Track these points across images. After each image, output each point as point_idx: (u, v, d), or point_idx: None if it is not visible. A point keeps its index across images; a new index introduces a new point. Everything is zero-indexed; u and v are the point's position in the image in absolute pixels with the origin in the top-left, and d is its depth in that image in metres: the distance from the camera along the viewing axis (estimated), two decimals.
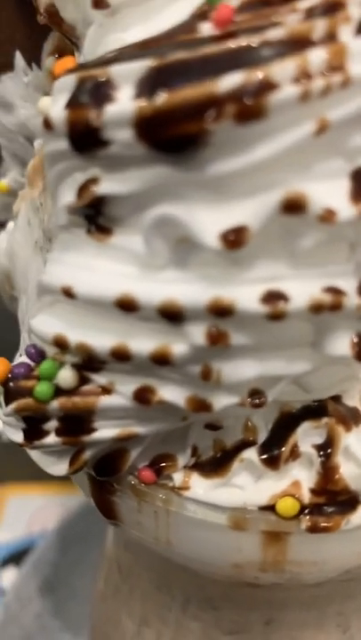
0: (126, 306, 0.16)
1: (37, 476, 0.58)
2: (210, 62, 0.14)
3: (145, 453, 0.20)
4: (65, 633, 0.43)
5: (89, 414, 0.18)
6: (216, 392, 0.17)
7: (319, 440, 0.19)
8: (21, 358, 0.20)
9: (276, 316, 0.15)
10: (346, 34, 0.15)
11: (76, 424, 0.19)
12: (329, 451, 0.19)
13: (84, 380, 0.18)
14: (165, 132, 0.14)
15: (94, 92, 0.15)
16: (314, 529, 0.19)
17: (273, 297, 0.15)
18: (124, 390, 0.18)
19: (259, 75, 0.14)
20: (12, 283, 0.27)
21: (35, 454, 0.21)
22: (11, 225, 0.27)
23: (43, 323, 0.18)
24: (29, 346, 0.19)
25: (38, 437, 0.19)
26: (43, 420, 0.19)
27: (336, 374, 0.19)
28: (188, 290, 0.16)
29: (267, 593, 0.24)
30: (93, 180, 0.16)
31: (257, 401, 0.17)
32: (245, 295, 0.15)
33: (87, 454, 0.19)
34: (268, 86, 0.14)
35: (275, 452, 0.19)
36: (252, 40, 0.14)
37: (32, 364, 0.19)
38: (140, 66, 0.15)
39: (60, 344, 0.18)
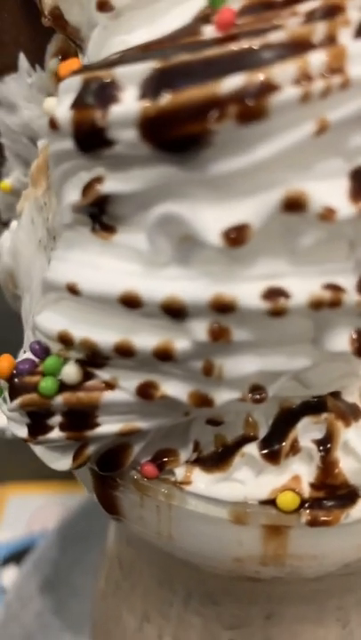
0: (130, 302, 0.17)
1: (38, 475, 0.59)
2: (212, 64, 0.15)
3: (147, 448, 0.20)
4: (65, 632, 0.43)
5: (92, 409, 0.19)
6: (218, 387, 0.18)
7: (319, 435, 0.20)
8: (26, 355, 0.20)
9: (277, 313, 0.16)
10: (345, 37, 0.15)
11: (80, 419, 0.19)
12: (329, 446, 0.19)
13: (87, 376, 0.18)
14: (169, 132, 0.15)
15: (99, 92, 0.15)
16: (314, 523, 0.20)
17: (274, 293, 0.16)
18: (127, 386, 0.18)
19: (260, 76, 0.14)
20: (15, 281, 0.27)
21: (38, 450, 0.21)
22: (14, 224, 0.27)
23: (47, 319, 0.19)
24: (34, 342, 0.19)
25: (42, 432, 0.19)
26: (47, 415, 0.19)
27: (336, 370, 0.19)
28: (191, 287, 0.16)
29: (267, 587, 0.25)
30: (98, 179, 0.16)
31: (258, 396, 0.18)
32: (247, 292, 0.16)
33: (90, 449, 0.20)
34: (269, 88, 0.14)
35: (275, 447, 0.20)
36: (254, 43, 0.15)
37: (36, 360, 0.19)
38: (145, 67, 0.15)
39: (65, 340, 0.18)
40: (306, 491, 0.20)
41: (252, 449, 0.20)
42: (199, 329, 0.16)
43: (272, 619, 0.27)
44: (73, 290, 0.17)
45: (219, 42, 0.15)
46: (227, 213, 0.15)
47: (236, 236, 0.15)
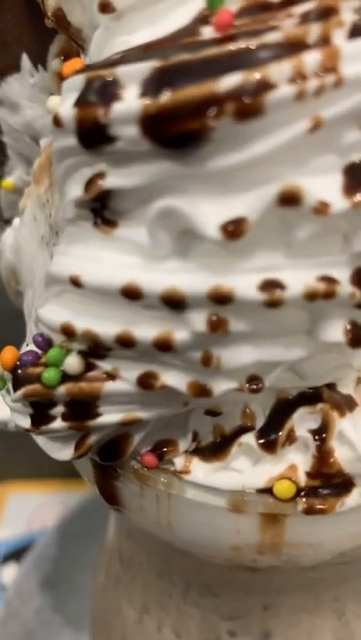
0: (131, 294, 0.17)
1: (38, 474, 0.59)
2: (211, 63, 0.15)
3: (147, 438, 0.21)
4: (65, 628, 0.43)
5: (94, 399, 0.19)
6: (216, 377, 0.18)
7: (314, 425, 0.20)
8: (29, 347, 0.20)
9: (273, 304, 0.16)
10: (339, 37, 0.15)
11: (82, 409, 0.19)
12: (324, 435, 0.20)
13: (89, 367, 0.19)
14: (169, 128, 0.15)
15: (102, 91, 0.16)
16: (310, 511, 0.20)
17: (270, 285, 0.16)
18: (128, 376, 0.18)
19: (257, 75, 0.15)
20: (17, 278, 0.28)
21: (41, 440, 0.21)
22: (17, 221, 0.28)
23: (50, 312, 0.19)
24: (37, 334, 0.20)
25: (45, 422, 0.20)
26: (49, 405, 0.19)
27: (331, 362, 0.19)
28: (190, 279, 0.17)
29: (265, 577, 0.25)
30: (100, 175, 0.17)
31: (255, 386, 0.18)
32: (244, 284, 0.16)
33: (92, 439, 0.20)
34: (265, 86, 0.15)
35: (272, 437, 0.20)
36: (251, 43, 0.15)
37: (39, 351, 0.20)
38: (145, 67, 0.16)
39: (67, 332, 0.19)
40: (302, 479, 0.20)
41: (249, 439, 0.20)
42: (198, 320, 0.17)
43: (270, 609, 0.27)
44: (75, 282, 0.18)
45: (217, 42, 0.16)
46: (225, 207, 0.16)
47: (234, 230, 0.16)
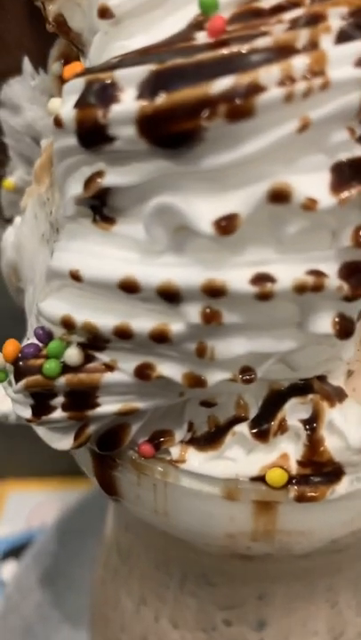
0: (128, 288, 0.18)
1: (37, 472, 0.59)
2: (204, 67, 0.16)
3: (144, 429, 0.21)
4: (64, 622, 0.43)
5: (93, 390, 0.20)
6: (210, 368, 0.19)
7: (305, 415, 0.21)
8: (30, 340, 0.21)
9: (264, 296, 0.17)
10: (326, 42, 0.16)
11: (81, 399, 0.20)
12: (314, 425, 0.20)
13: (88, 358, 0.19)
14: (165, 129, 0.16)
15: (101, 93, 0.17)
16: (301, 498, 0.21)
17: (261, 279, 0.17)
18: (125, 367, 0.19)
19: (248, 78, 0.15)
20: (18, 274, 0.28)
21: (41, 430, 0.22)
22: (18, 220, 0.29)
23: (51, 305, 0.20)
24: (38, 328, 0.21)
25: (46, 413, 0.20)
26: (50, 396, 0.20)
27: (321, 354, 0.20)
28: (185, 273, 0.17)
29: (259, 566, 0.26)
30: (99, 173, 0.17)
31: (247, 377, 0.19)
32: (236, 277, 0.17)
33: (91, 429, 0.21)
34: (256, 88, 0.15)
35: (264, 427, 0.21)
36: (243, 47, 0.16)
37: (40, 344, 0.20)
38: (142, 70, 0.16)
39: (68, 325, 0.19)
40: (293, 468, 0.21)
41: (242, 428, 0.21)
42: (193, 312, 0.17)
43: (264, 599, 0.28)
44: (75, 277, 0.18)
45: (210, 47, 0.16)
46: (218, 204, 0.16)
47: (227, 225, 0.16)
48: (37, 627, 0.42)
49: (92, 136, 0.17)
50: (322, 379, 0.21)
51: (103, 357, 0.19)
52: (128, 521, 0.30)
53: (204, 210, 0.16)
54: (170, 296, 0.17)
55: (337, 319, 0.18)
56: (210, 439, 0.21)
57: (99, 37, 0.19)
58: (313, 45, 0.16)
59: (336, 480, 0.21)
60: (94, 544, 0.38)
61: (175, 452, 0.22)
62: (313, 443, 0.20)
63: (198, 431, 0.22)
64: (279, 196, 0.16)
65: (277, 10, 0.17)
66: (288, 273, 0.17)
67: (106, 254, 0.18)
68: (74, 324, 0.19)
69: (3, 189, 0.31)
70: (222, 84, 0.15)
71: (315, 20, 0.16)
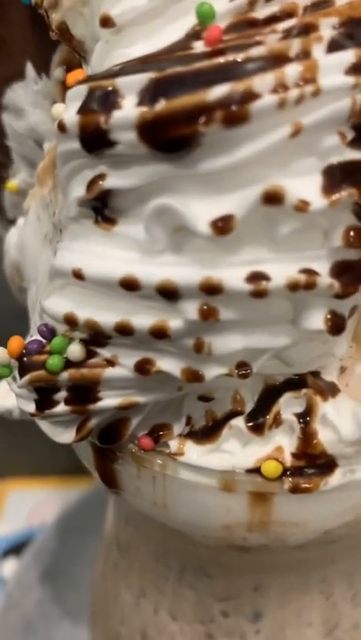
0: (129, 286, 0.18)
1: (37, 471, 0.60)
2: (202, 75, 0.16)
3: (144, 423, 0.22)
4: (64, 619, 0.43)
5: (95, 384, 0.20)
6: (207, 363, 0.19)
7: (299, 409, 0.21)
8: (34, 336, 0.22)
9: (259, 294, 0.17)
10: (318, 51, 0.17)
11: (83, 394, 0.20)
12: (308, 418, 0.21)
13: (90, 354, 0.20)
14: (164, 134, 0.16)
15: (103, 99, 0.17)
16: (295, 489, 0.21)
17: (256, 277, 0.17)
18: (126, 362, 0.20)
19: (243, 86, 0.16)
20: (21, 274, 0.29)
21: (44, 424, 0.22)
22: (21, 221, 0.29)
23: (54, 303, 0.20)
24: (41, 325, 0.21)
25: (49, 407, 0.21)
26: (53, 390, 0.21)
27: (314, 350, 0.21)
28: (183, 271, 0.18)
29: (255, 557, 0.26)
30: (101, 176, 0.18)
31: (243, 372, 0.19)
32: (232, 275, 0.17)
33: (92, 422, 0.21)
34: (250, 95, 0.16)
35: (260, 420, 0.21)
36: (238, 56, 0.16)
37: (44, 341, 0.21)
38: (143, 78, 0.17)
39: (70, 322, 0.20)
40: (288, 460, 0.21)
41: (239, 422, 0.21)
42: (190, 309, 0.18)
43: (260, 590, 0.28)
44: (78, 275, 0.19)
45: (207, 55, 0.17)
46: (214, 205, 0.17)
47: (223, 226, 0.17)
48: (38, 623, 0.42)
49: (95, 140, 0.17)
50: (315, 374, 0.22)
51: (104, 353, 0.20)
52: (128, 514, 0.31)
53: (201, 211, 0.17)
54: (169, 294, 0.18)
55: (329, 316, 0.19)
56: (207, 433, 0.22)
57: (100, 45, 0.20)
58: (305, 54, 0.17)
59: (329, 472, 0.21)
60: (94, 542, 0.38)
61: (174, 445, 0.22)
62: (307, 436, 0.21)
63: (196, 425, 0.22)
64: (273, 198, 0.17)
65: (271, 20, 0.18)
66: (282, 271, 0.17)
67: (107, 254, 0.19)
68: (76, 321, 0.20)
69: (6, 191, 0.31)
70: (219, 91, 0.16)
71: (307, 29, 0.17)
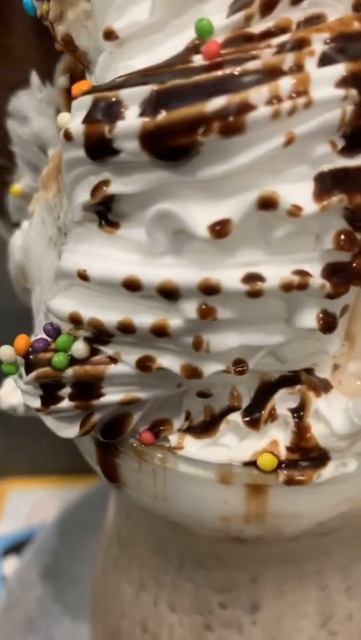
0: (131, 286, 0.19)
1: (38, 470, 0.60)
2: (200, 87, 0.17)
3: (145, 418, 0.23)
4: (64, 616, 0.43)
5: (98, 381, 0.21)
6: (206, 360, 0.20)
7: (293, 404, 0.22)
8: (39, 335, 0.23)
9: (255, 294, 0.18)
10: (310, 65, 0.18)
11: (87, 390, 0.21)
12: (302, 413, 0.22)
13: (94, 352, 0.21)
14: (165, 143, 0.17)
15: (107, 110, 0.18)
16: (290, 481, 0.22)
17: (251, 278, 0.18)
18: (128, 359, 0.20)
19: (239, 98, 0.17)
20: (26, 276, 0.30)
21: (48, 420, 0.23)
22: (25, 224, 0.30)
23: (60, 303, 0.21)
24: (47, 324, 0.22)
25: (54, 402, 0.22)
26: (58, 387, 0.21)
27: (307, 348, 0.22)
28: (183, 273, 0.18)
29: (252, 549, 0.27)
30: (105, 182, 0.19)
31: (240, 369, 0.20)
32: (229, 276, 0.18)
33: (95, 417, 0.22)
34: (246, 107, 0.17)
35: (256, 415, 0.22)
36: (235, 69, 0.17)
37: (49, 339, 0.22)
38: (145, 90, 0.18)
39: (75, 320, 0.21)
40: (283, 453, 0.22)
41: (236, 417, 0.22)
42: (190, 309, 0.19)
43: (257, 582, 0.29)
44: (83, 276, 0.20)
45: (206, 69, 0.17)
46: (212, 210, 0.18)
47: (220, 229, 0.18)
48: (38, 620, 0.42)
49: (99, 149, 0.18)
50: (309, 371, 0.22)
51: (107, 350, 0.21)
52: (129, 509, 0.31)
53: (200, 215, 0.18)
54: (169, 294, 0.19)
55: (321, 315, 0.19)
56: (205, 427, 0.23)
57: (104, 57, 0.21)
58: (298, 68, 0.18)
59: (322, 465, 0.22)
60: (94, 540, 0.39)
61: (173, 439, 0.23)
62: (300, 430, 0.22)
63: (195, 420, 0.23)
64: (267, 204, 0.17)
65: (266, 35, 0.18)
66: (276, 273, 0.18)
67: (110, 256, 0.20)
68: (81, 320, 0.20)
69: (10, 195, 0.32)
70: (216, 103, 0.17)
71: (300, 44, 0.18)
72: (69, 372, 0.21)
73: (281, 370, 0.22)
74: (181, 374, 0.20)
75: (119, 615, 0.34)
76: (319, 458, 0.22)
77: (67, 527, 0.47)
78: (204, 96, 0.17)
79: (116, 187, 0.19)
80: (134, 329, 0.20)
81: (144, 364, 0.20)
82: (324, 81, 0.18)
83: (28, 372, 0.22)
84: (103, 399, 0.21)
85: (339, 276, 0.19)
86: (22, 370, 0.22)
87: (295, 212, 0.18)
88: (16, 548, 0.50)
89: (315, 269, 0.19)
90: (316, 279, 0.19)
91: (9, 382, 0.31)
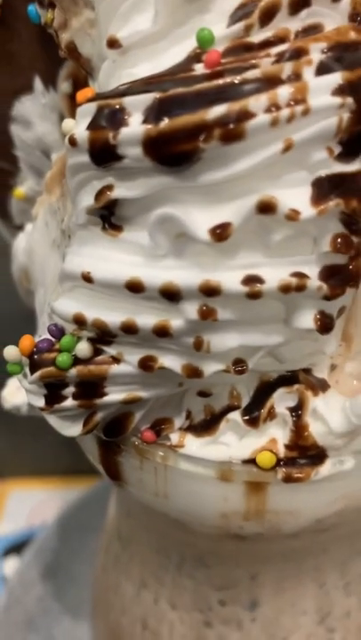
0: (134, 288, 0.19)
1: (38, 471, 0.61)
2: (202, 95, 0.18)
3: (147, 417, 0.23)
4: (65, 614, 0.43)
5: (101, 380, 0.21)
6: (206, 360, 0.20)
7: (292, 403, 0.22)
8: (43, 336, 0.23)
9: (254, 295, 0.19)
10: (308, 74, 0.18)
11: (90, 389, 0.22)
12: (300, 412, 0.22)
13: (97, 352, 0.21)
14: (167, 149, 0.18)
15: (111, 117, 0.18)
16: (288, 479, 0.22)
17: (251, 280, 0.19)
18: (130, 359, 0.21)
19: (239, 106, 0.17)
20: (29, 278, 0.30)
21: (52, 419, 0.23)
22: (29, 227, 0.31)
23: (64, 304, 0.21)
24: (51, 324, 0.23)
25: (58, 401, 0.22)
26: (61, 386, 0.22)
27: (305, 348, 0.22)
28: (184, 275, 0.19)
29: (251, 546, 0.27)
30: (109, 187, 0.19)
31: (239, 368, 0.21)
32: (229, 278, 0.19)
33: (98, 416, 0.22)
34: (246, 115, 0.17)
35: (255, 414, 0.22)
36: (235, 78, 0.18)
37: (53, 339, 0.22)
38: (148, 97, 0.18)
39: (79, 321, 0.21)
40: (281, 451, 0.22)
41: (235, 416, 0.23)
42: (191, 310, 0.19)
43: (256, 579, 0.29)
44: (86, 278, 0.20)
45: (207, 77, 0.18)
46: (213, 214, 0.18)
47: (221, 233, 0.18)
48: (39, 619, 0.43)
49: (103, 154, 0.19)
50: (307, 371, 0.23)
51: (110, 351, 0.21)
52: (130, 507, 0.32)
53: (201, 219, 0.18)
54: (171, 295, 0.19)
55: (318, 316, 0.20)
56: (206, 426, 0.23)
57: (107, 64, 0.21)
58: (296, 76, 0.18)
59: (320, 462, 0.22)
60: (94, 540, 0.39)
61: (174, 437, 0.23)
62: (298, 428, 0.22)
63: (195, 419, 0.24)
64: (266, 208, 0.18)
65: (265, 45, 0.19)
66: (275, 275, 0.19)
67: (114, 258, 0.20)
68: (84, 321, 0.21)
69: (13, 198, 0.32)
70: (217, 110, 0.17)
71: (298, 54, 0.18)
72: (73, 371, 0.21)
73: (280, 370, 0.23)
74: (182, 374, 0.21)
75: (120, 613, 0.34)
76: (317, 456, 0.23)
77: (67, 527, 0.47)
78: (205, 104, 0.17)
79: (120, 191, 0.19)
80: (137, 329, 0.20)
81: (146, 364, 0.21)
82: (322, 89, 0.18)
83: (32, 371, 0.22)
84: (106, 398, 0.22)
85: (336, 278, 0.19)
86: (27, 369, 0.22)
87: (293, 216, 0.18)
88: (17, 548, 0.50)
89: (312, 272, 0.19)
90: (314, 281, 0.19)
91: (12, 382, 0.31)
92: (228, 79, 0.18)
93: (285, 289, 0.19)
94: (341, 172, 0.19)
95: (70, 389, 0.22)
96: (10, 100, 0.30)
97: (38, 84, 0.29)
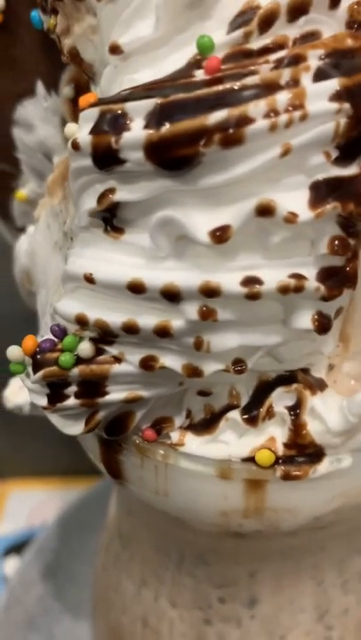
0: (135, 289, 0.20)
1: (38, 471, 0.61)
2: (202, 101, 0.18)
3: (148, 416, 0.24)
4: (65, 614, 0.44)
5: (103, 380, 0.22)
6: (206, 360, 0.21)
7: (290, 402, 0.23)
8: (46, 336, 0.23)
9: (253, 296, 0.19)
10: (306, 80, 0.18)
11: (92, 388, 0.22)
12: (298, 411, 0.22)
13: (99, 351, 0.21)
14: (168, 153, 0.18)
15: (113, 122, 0.19)
16: (287, 476, 0.23)
17: (250, 281, 0.19)
18: (132, 359, 0.21)
19: (238, 111, 0.17)
20: (31, 279, 0.31)
21: (54, 418, 0.24)
22: (31, 229, 0.31)
23: (66, 305, 0.22)
24: (54, 325, 0.23)
25: (60, 400, 0.22)
26: (64, 385, 0.22)
27: (303, 348, 0.22)
28: (184, 276, 0.19)
29: (250, 544, 0.27)
30: (111, 190, 0.20)
31: (239, 368, 0.21)
32: (229, 280, 0.19)
33: (100, 415, 0.23)
34: (245, 120, 0.17)
35: (254, 413, 0.23)
36: (234, 84, 0.18)
37: (56, 339, 0.22)
38: (149, 103, 0.18)
39: (81, 322, 0.21)
40: (280, 449, 0.23)
41: (235, 415, 0.23)
42: (191, 310, 0.19)
43: (255, 577, 0.29)
44: (89, 279, 0.21)
45: (207, 83, 0.18)
46: (213, 217, 0.19)
47: (221, 235, 0.18)
48: (39, 618, 0.43)
49: (106, 158, 0.19)
50: (305, 371, 0.23)
51: (112, 350, 0.21)
52: (131, 505, 0.32)
53: (201, 222, 0.19)
54: (171, 296, 0.19)
55: (316, 316, 0.20)
56: (206, 425, 0.24)
57: (109, 70, 0.21)
58: (295, 82, 0.18)
59: (318, 460, 0.23)
60: (94, 540, 0.39)
61: (175, 436, 0.24)
62: (297, 427, 0.23)
63: (195, 418, 0.24)
64: (265, 211, 0.18)
65: (264, 51, 0.19)
66: (273, 276, 0.19)
67: (116, 260, 0.20)
68: (87, 321, 0.21)
69: (15, 200, 0.33)
70: (217, 116, 0.17)
71: (296, 60, 0.19)
72: (75, 371, 0.22)
73: (278, 369, 0.23)
74: (183, 373, 0.21)
75: (120, 611, 0.35)
76: (315, 454, 0.23)
77: (67, 527, 0.48)
78: (205, 109, 0.18)
79: (122, 194, 0.20)
80: (138, 330, 0.21)
81: (147, 364, 0.21)
82: (319, 95, 0.18)
83: (35, 371, 0.22)
84: (108, 397, 0.22)
85: (333, 279, 0.20)
86: (30, 369, 0.23)
87: (291, 218, 0.18)
88: (17, 548, 0.50)
89: (310, 273, 0.20)
90: (312, 282, 0.19)
91: (15, 382, 0.32)
92: (227, 85, 0.18)
93: (284, 290, 0.19)
94: (339, 176, 0.19)
95: (72, 388, 0.22)
96: (12, 104, 0.30)
97: (40, 88, 0.29)
